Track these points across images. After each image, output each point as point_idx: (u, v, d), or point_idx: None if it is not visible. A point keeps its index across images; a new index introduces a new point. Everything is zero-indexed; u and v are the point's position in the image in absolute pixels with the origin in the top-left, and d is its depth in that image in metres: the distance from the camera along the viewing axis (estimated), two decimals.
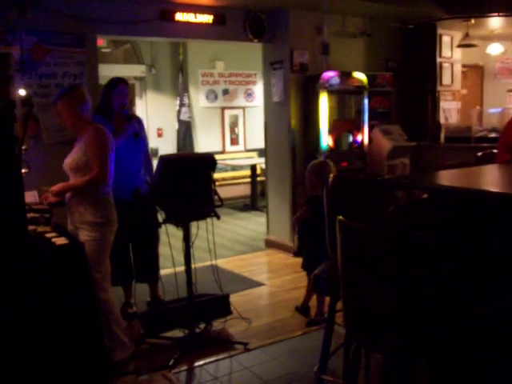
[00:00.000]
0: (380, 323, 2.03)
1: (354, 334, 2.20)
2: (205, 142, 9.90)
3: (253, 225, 8.28)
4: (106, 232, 3.61)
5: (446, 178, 2.95)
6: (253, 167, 9.67)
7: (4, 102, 3.24)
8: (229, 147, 10.32)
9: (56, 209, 3.78)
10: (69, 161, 3.58)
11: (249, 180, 9.79)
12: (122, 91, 4.41)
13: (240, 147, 10.45)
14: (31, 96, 3.64)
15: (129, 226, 4.15)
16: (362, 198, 3.18)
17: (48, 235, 3.59)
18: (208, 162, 3.88)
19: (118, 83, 4.45)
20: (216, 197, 3.98)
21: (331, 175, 3.95)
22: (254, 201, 9.62)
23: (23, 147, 3.54)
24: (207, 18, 5.98)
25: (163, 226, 4.13)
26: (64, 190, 3.60)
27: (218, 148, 10.10)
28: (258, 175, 9.70)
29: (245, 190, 9.94)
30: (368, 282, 2.00)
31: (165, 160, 3.72)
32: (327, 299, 3.98)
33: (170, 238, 4.44)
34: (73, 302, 3.40)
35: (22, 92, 3.54)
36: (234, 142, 10.41)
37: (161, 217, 3.97)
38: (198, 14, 5.93)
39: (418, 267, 1.93)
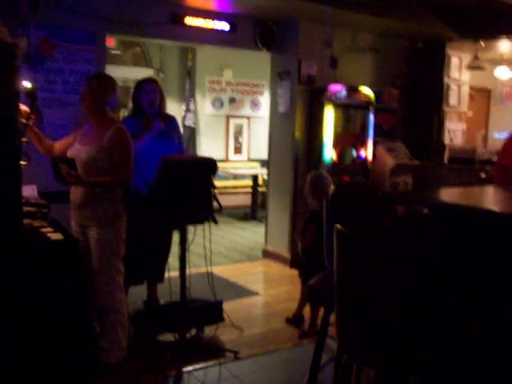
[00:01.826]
0: (374, 336, 1.99)
1: (346, 346, 2.16)
2: (208, 149, 9.86)
3: (251, 234, 8.24)
4: (118, 228, 3.58)
5: (447, 195, 2.93)
6: (255, 177, 9.65)
7: (8, 92, 3.20)
8: (232, 156, 10.29)
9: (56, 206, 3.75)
10: (84, 155, 3.51)
11: (250, 190, 9.76)
12: (147, 90, 4.43)
13: (243, 156, 10.42)
14: (35, 89, 3.61)
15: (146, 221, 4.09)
16: (363, 212, 3.15)
17: (44, 230, 3.57)
18: (209, 166, 3.85)
19: (144, 82, 4.52)
20: (215, 202, 3.95)
21: (331, 187, 3.95)
22: (254, 211, 9.58)
23: (24, 139, 3.51)
24: (217, 25, 5.98)
25: None
26: (92, 183, 3.51)
27: (221, 156, 10.07)
28: (260, 185, 9.67)
29: (245, 200, 9.90)
30: (363, 293, 1.97)
31: (166, 162, 3.69)
32: (321, 311, 3.94)
33: None
34: (64, 299, 3.37)
35: (27, 84, 3.51)
36: (238, 150, 10.39)
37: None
38: (208, 20, 5.93)
39: (415, 281, 1.89)
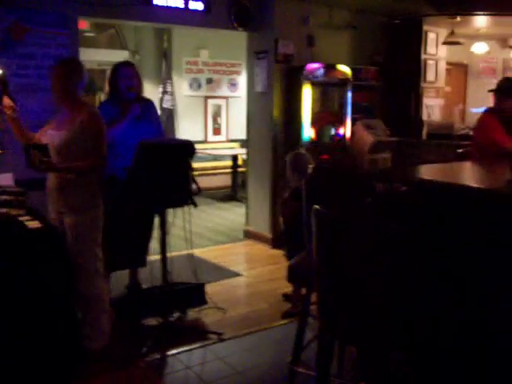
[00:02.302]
0: (357, 317, 2.00)
1: (328, 326, 2.17)
2: (187, 130, 9.79)
3: (232, 215, 8.23)
4: (95, 214, 3.55)
5: (425, 171, 2.94)
6: (234, 157, 9.62)
7: None
8: (211, 137, 10.24)
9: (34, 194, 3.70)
10: (57, 140, 3.43)
11: (230, 170, 9.73)
12: (125, 74, 4.29)
13: (222, 137, 10.37)
14: (5, 74, 3.54)
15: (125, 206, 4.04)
16: (341, 191, 3.15)
17: (21, 218, 3.53)
18: (187, 148, 3.82)
19: (121, 66, 4.38)
20: (194, 185, 3.92)
21: (310, 167, 3.95)
22: (235, 191, 9.57)
23: None
24: (192, 4, 5.89)
25: None
26: (65, 169, 3.43)
27: (201, 137, 10.01)
28: (240, 166, 9.65)
29: (225, 181, 9.88)
30: (343, 272, 1.97)
31: (142, 145, 3.65)
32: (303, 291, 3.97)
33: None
34: (45, 287, 3.34)
35: None
36: (217, 131, 10.34)
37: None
38: (182, 0, 5.84)
39: (403, 262, 1.90)
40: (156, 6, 5.70)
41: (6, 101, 3.35)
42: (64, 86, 3.51)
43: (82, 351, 3.55)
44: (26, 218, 3.58)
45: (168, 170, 3.65)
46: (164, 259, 3.91)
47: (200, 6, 5.95)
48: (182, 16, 5.92)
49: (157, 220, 4.06)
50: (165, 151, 3.71)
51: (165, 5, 5.74)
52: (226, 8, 6.16)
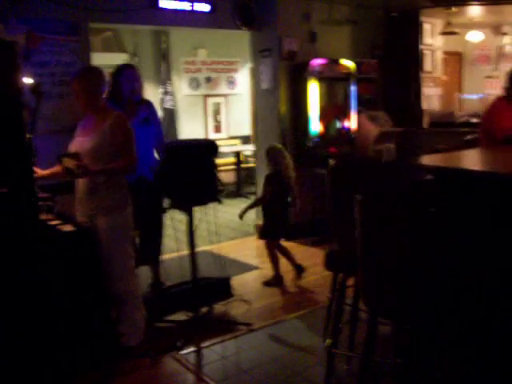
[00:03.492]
0: (397, 292, 2.17)
1: (372, 304, 2.33)
2: (188, 129, 9.92)
3: (239, 211, 8.33)
4: (127, 214, 3.65)
5: (451, 160, 3.09)
6: (237, 154, 9.75)
7: (12, 90, 3.27)
8: (212, 135, 10.36)
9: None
10: (88, 145, 3.53)
11: (233, 167, 9.86)
12: (129, 76, 4.38)
13: (223, 134, 10.49)
14: (39, 84, 3.65)
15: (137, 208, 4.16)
16: (364, 181, 3.31)
17: (52, 223, 3.65)
18: (211, 147, 3.96)
19: (124, 69, 4.46)
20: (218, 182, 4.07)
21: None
22: (239, 188, 9.71)
23: (28, 135, 3.57)
24: (197, 6, 6.02)
25: None
26: (101, 172, 3.52)
27: (201, 135, 10.13)
28: (242, 162, 9.79)
29: (228, 178, 9.99)
30: (391, 252, 2.14)
31: (169, 147, 3.79)
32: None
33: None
34: (80, 289, 3.47)
35: (29, 80, 3.56)
36: (217, 129, 10.46)
37: (165, 203, 4.04)
38: (187, 2, 5.97)
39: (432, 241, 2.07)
40: (162, 9, 5.83)
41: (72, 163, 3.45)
42: (89, 93, 3.60)
43: (119, 349, 3.68)
44: (57, 222, 3.70)
45: (195, 169, 3.79)
46: (193, 255, 4.04)
47: (205, 8, 6.09)
48: (188, 18, 6.06)
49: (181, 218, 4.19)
50: (192, 151, 3.84)
51: (171, 8, 5.87)
52: (230, 8, 6.29)
